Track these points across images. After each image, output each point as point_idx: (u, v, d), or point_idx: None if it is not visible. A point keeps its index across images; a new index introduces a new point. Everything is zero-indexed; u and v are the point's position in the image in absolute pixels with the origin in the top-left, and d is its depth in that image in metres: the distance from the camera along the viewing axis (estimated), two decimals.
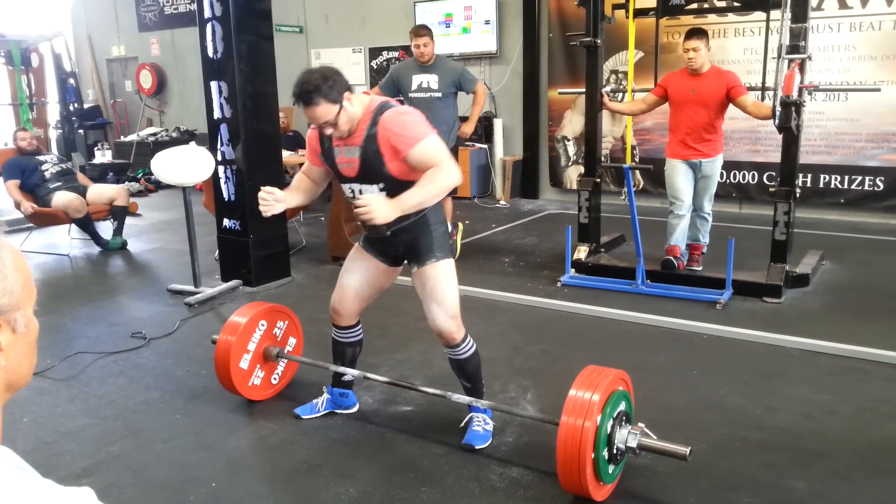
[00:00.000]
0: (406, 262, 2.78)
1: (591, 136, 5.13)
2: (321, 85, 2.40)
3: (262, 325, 3.14)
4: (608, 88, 5.11)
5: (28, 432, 2.95)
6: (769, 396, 3.12)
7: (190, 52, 10.11)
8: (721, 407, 3.04)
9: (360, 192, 2.59)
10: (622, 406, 2.34)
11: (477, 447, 2.71)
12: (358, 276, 2.83)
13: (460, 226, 5.80)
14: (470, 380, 2.80)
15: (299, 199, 2.79)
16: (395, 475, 2.58)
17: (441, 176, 2.44)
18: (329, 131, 2.51)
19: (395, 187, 2.52)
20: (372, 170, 2.53)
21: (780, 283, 4.36)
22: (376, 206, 2.37)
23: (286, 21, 9.48)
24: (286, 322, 3.26)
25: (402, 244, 2.70)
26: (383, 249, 2.78)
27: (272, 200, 2.58)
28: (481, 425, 2.78)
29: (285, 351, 3.23)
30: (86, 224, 6.07)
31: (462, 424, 2.81)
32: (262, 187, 2.61)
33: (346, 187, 2.67)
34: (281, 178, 5.15)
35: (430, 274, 2.63)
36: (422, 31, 5.38)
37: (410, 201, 2.43)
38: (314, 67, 2.53)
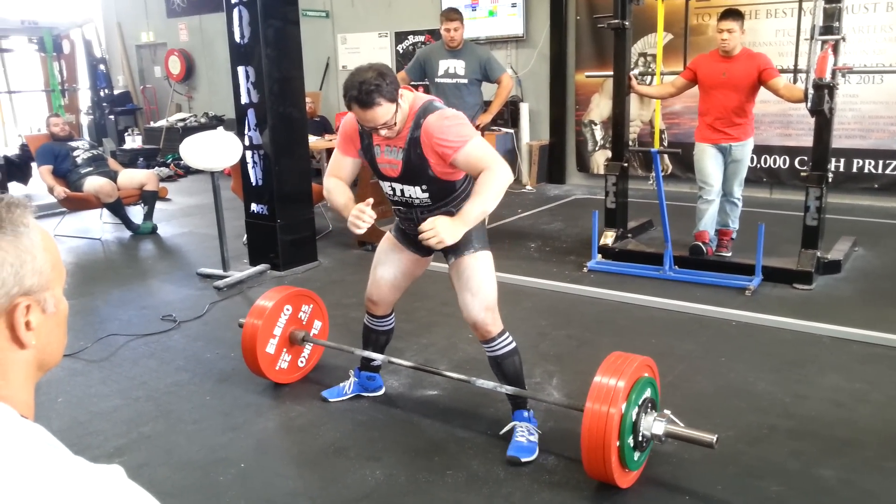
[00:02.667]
0: (443, 253, 2.67)
1: (618, 119, 5.07)
2: (381, 84, 2.24)
3: (288, 309, 3.17)
4: (636, 71, 5.04)
5: (62, 412, 3.02)
6: (799, 384, 3.09)
7: (218, 38, 10.17)
8: (749, 394, 3.01)
9: (402, 192, 2.55)
10: (648, 393, 2.33)
11: (523, 460, 2.52)
12: (392, 267, 2.79)
13: None
14: (509, 380, 2.63)
15: None
16: (421, 458, 2.60)
17: (494, 180, 2.34)
18: (385, 132, 2.37)
19: (437, 188, 2.50)
20: (415, 172, 2.45)
21: (811, 269, 4.29)
22: (441, 228, 2.29)
23: (312, 6, 9.48)
24: (311, 306, 3.29)
25: None
26: (417, 241, 2.70)
27: (368, 216, 2.43)
28: (525, 436, 2.60)
29: (311, 335, 3.26)
30: (117, 208, 6.17)
31: (503, 432, 2.66)
32: (360, 206, 2.44)
33: (385, 185, 2.59)
34: (308, 163, 5.17)
35: (467, 264, 2.56)
36: (453, 14, 5.28)
37: (473, 214, 2.35)
38: (363, 66, 2.32)
